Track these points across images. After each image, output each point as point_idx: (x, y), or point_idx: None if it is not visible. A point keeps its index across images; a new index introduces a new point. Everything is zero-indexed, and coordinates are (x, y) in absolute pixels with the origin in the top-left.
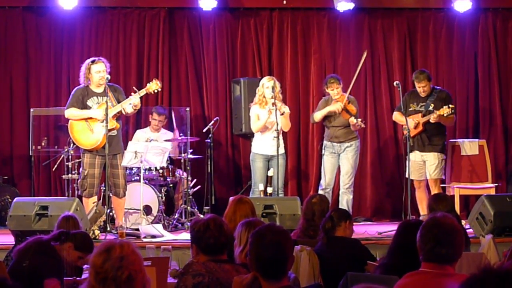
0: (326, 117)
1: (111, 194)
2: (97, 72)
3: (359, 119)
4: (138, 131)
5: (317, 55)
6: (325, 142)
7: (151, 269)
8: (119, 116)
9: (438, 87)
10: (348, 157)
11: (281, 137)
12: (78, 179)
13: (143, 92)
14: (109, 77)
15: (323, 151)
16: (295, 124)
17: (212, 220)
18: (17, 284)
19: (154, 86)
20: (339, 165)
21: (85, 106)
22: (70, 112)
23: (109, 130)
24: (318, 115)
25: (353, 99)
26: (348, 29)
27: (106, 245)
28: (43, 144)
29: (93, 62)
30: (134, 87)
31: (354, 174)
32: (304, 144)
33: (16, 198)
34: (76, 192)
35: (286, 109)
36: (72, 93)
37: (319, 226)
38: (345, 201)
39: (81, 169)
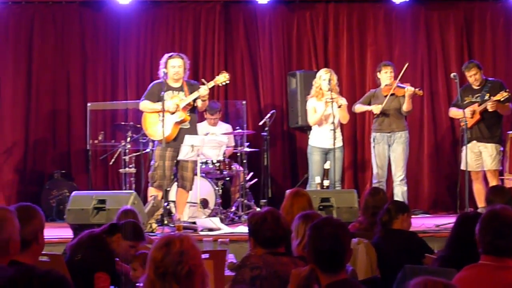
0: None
1: (169, 188)
2: (172, 66)
3: (416, 88)
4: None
5: (373, 47)
6: (374, 134)
7: (209, 262)
8: (192, 109)
9: (491, 78)
10: (398, 149)
11: (338, 129)
12: (149, 171)
13: (211, 84)
14: (188, 72)
15: (373, 143)
16: (351, 116)
17: (269, 213)
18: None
19: (222, 78)
20: (390, 157)
21: (160, 100)
22: (144, 105)
23: (181, 122)
24: (359, 109)
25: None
26: (404, 21)
27: (165, 240)
28: (100, 138)
29: (170, 56)
30: (202, 79)
31: (406, 166)
32: (360, 136)
33: (74, 192)
34: (133, 186)
35: (343, 101)
36: (149, 86)
37: (377, 219)
38: (400, 193)
39: (152, 161)
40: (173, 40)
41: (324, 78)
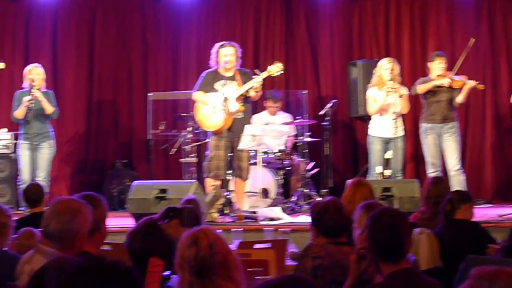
0: (430, 92)
1: (230, 177)
2: (224, 55)
3: (476, 82)
4: (254, 116)
5: (435, 37)
6: (425, 124)
7: (270, 252)
8: (245, 99)
9: None
10: (450, 139)
11: (400, 119)
12: (204, 162)
13: (265, 74)
14: (240, 61)
15: (424, 133)
16: (412, 106)
17: (331, 203)
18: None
19: (276, 68)
20: (442, 147)
21: (213, 89)
22: (196, 96)
23: (235, 113)
24: (423, 87)
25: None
26: (466, 11)
27: (190, 238)
28: (161, 128)
29: (222, 46)
30: (256, 70)
31: (460, 155)
32: None
33: (135, 182)
34: (195, 176)
35: (404, 91)
36: (202, 76)
37: (439, 208)
38: (458, 183)
39: (207, 151)
40: (234, 30)
41: (386, 67)
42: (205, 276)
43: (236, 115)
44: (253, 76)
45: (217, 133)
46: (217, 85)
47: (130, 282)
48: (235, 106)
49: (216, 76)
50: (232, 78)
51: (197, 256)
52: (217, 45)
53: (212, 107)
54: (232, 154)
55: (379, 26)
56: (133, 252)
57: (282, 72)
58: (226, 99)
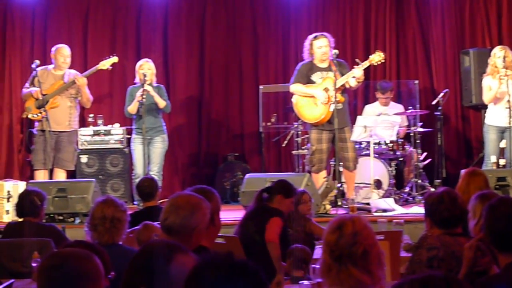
0: None
1: (341, 169)
2: (319, 47)
3: None
4: (367, 107)
5: None
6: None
7: (384, 243)
8: (344, 90)
9: None
10: None
11: None
12: (307, 155)
13: (366, 64)
14: (337, 52)
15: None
16: None
17: (446, 193)
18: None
19: (377, 57)
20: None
21: (309, 81)
22: (295, 88)
23: (335, 103)
24: None
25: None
26: None
27: (337, 222)
28: (272, 120)
29: (315, 37)
30: (356, 60)
31: None
32: None
33: (247, 174)
34: (306, 168)
35: None
36: (297, 68)
37: None
38: None
39: (308, 145)
40: (344, 19)
41: (498, 55)
42: (343, 263)
43: (336, 106)
44: (354, 66)
45: (317, 125)
46: (314, 76)
47: (258, 282)
48: (336, 97)
49: (312, 67)
50: (328, 69)
51: (338, 242)
52: (310, 37)
53: (312, 99)
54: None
55: (491, 13)
56: (250, 237)
57: (383, 61)
58: (326, 90)
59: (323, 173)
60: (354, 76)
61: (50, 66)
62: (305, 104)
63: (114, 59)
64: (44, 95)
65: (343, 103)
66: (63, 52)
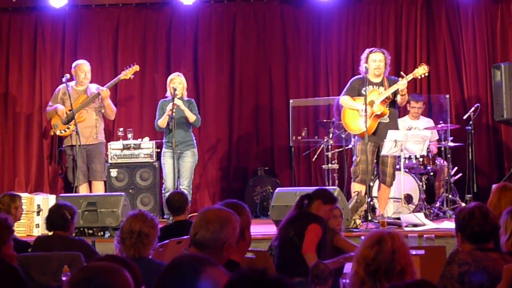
0: None
1: (372, 183)
2: (373, 61)
3: None
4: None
5: None
6: None
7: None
8: (392, 103)
9: None
10: None
11: None
12: (352, 166)
13: (410, 77)
14: (389, 68)
15: None
16: None
17: (477, 208)
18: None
19: (421, 70)
20: None
21: (360, 94)
22: (344, 100)
23: (379, 116)
24: None
25: None
26: None
27: (376, 237)
28: (303, 134)
29: (371, 51)
30: (401, 72)
31: None
32: None
33: (277, 189)
34: (336, 182)
35: None
36: (350, 81)
37: None
38: None
39: (354, 156)
40: (374, 34)
41: None
42: (378, 279)
43: (382, 120)
44: (399, 79)
45: (361, 137)
46: (365, 90)
47: None
48: (380, 109)
49: (364, 82)
50: (380, 84)
51: (376, 257)
52: (367, 50)
53: (358, 111)
54: (378, 159)
55: None
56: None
57: (428, 74)
58: (371, 103)
59: (359, 186)
60: (398, 90)
61: (71, 83)
62: (351, 116)
63: (136, 68)
64: (69, 110)
65: (390, 116)
66: (83, 68)
